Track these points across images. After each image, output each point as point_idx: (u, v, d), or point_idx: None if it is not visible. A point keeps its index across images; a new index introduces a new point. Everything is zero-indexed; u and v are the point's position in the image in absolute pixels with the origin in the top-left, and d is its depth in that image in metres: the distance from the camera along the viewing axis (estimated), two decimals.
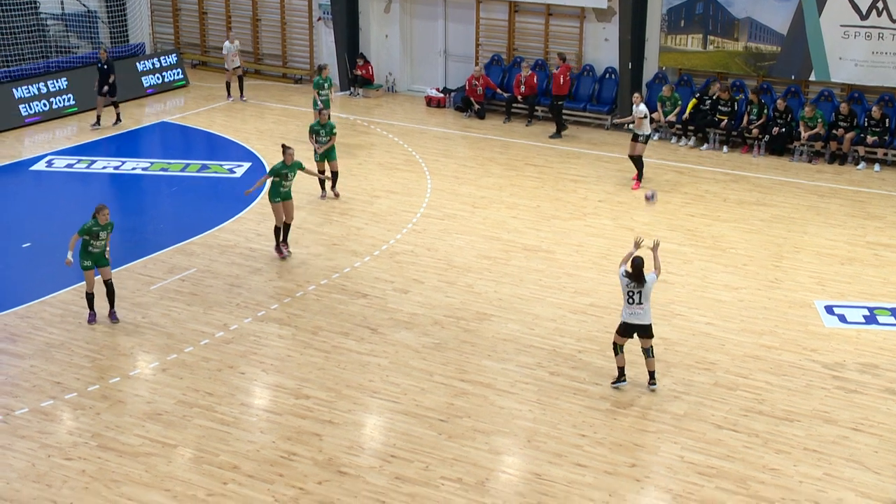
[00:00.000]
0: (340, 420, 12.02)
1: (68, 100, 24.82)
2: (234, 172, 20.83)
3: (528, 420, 12.08)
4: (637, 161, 20.06)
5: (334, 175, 19.28)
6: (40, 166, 21.07)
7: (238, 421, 11.96)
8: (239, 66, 26.25)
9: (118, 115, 23.90)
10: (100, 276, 14.26)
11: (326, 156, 19.13)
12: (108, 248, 14.18)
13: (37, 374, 12.84)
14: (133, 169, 21.08)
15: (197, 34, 29.85)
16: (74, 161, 21.37)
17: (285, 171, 16.28)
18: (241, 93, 26.27)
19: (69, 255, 13.79)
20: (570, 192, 19.82)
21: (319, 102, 21.86)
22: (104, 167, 21.12)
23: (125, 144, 22.91)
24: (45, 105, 24.33)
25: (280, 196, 16.34)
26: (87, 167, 21.07)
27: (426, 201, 19.53)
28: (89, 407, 12.14)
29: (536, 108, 24.72)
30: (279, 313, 14.73)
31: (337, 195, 19.36)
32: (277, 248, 16.56)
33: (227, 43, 26.22)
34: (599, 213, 18.73)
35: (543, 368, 13.25)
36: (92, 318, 14.19)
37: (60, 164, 21.22)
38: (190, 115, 25.14)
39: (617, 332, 12.56)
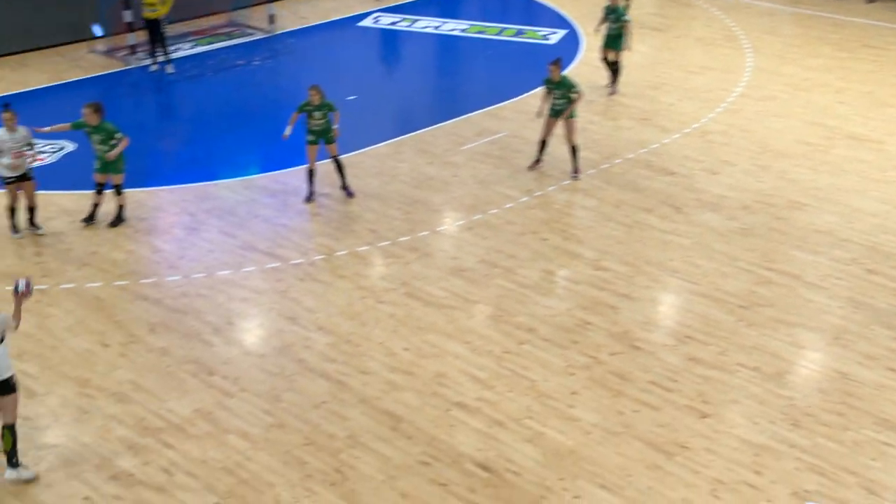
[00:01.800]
0: (637, 295, 12.00)
1: None
2: (549, 39, 20.77)
3: (837, 317, 11.51)
4: None
5: (612, 64, 17.80)
6: (367, 22, 21.96)
7: (537, 285, 12.22)
8: None
9: None
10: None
11: (611, 42, 17.70)
12: (335, 128, 13.88)
13: (355, 220, 13.68)
14: (452, 30, 21.52)
15: None
16: (399, 19, 22.10)
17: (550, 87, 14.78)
18: None
19: (287, 130, 13.84)
20: None
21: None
22: (425, 27, 21.70)
23: (447, 5, 23.38)
24: None
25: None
26: (410, 25, 21.73)
27: (745, 80, 18.64)
28: (400, 256, 12.83)
29: None
30: (583, 184, 14.73)
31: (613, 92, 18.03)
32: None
33: None
34: None
35: (860, 265, 12.50)
36: (308, 197, 14.15)
37: (385, 21, 22.03)
38: None
39: None
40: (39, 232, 13.04)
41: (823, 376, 10.58)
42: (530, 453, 9.44)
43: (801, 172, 15.03)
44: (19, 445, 8.96)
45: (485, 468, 9.25)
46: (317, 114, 13.77)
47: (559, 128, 14.94)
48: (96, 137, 12.91)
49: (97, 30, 19.08)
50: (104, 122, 12.86)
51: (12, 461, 8.93)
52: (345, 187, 14.34)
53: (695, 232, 13.35)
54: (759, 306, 11.73)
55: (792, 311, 11.64)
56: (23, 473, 8.96)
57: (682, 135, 16.34)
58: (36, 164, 13.84)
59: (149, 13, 18.40)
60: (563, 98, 14.57)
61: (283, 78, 19.40)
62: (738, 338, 11.16)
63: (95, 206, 13.33)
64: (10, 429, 8.84)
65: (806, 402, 10.17)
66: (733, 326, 11.36)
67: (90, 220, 13.34)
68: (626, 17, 17.59)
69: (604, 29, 17.73)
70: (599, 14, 18.09)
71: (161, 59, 18.85)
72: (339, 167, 14.23)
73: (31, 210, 13.02)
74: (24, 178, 12.73)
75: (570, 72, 18.83)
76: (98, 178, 13.20)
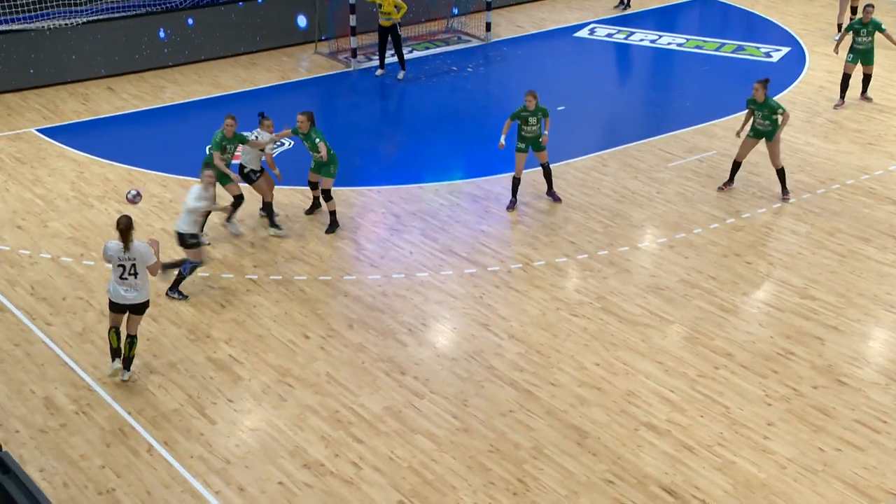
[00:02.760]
0: (847, 328, 11.39)
1: None
2: (771, 57, 20.04)
3: None
4: None
5: (865, 78, 17.50)
6: (583, 33, 21.87)
7: (737, 310, 11.82)
8: None
9: None
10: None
11: (862, 57, 17.21)
12: (545, 134, 13.90)
13: (555, 231, 13.64)
14: (668, 44, 21.12)
15: None
16: (615, 31, 21.89)
17: None
18: None
19: (502, 139, 14.04)
20: None
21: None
22: (641, 39, 21.40)
23: (665, 18, 22.96)
24: None
25: None
26: (626, 38, 21.49)
27: None
28: (597, 270, 12.70)
29: None
30: (795, 208, 14.14)
31: (868, 99, 17.69)
32: None
33: None
34: None
35: None
36: (511, 205, 14.24)
37: (602, 32, 21.87)
38: None
39: None
40: (278, 232, 13.60)
41: None
42: (719, 482, 9.14)
43: None
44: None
45: (670, 492, 9.03)
46: (531, 119, 13.84)
47: (761, 149, 14.44)
48: (306, 144, 13.44)
49: (304, 65, 19.94)
50: (312, 129, 13.30)
51: (127, 365, 10.48)
52: (550, 192, 14.36)
53: None
54: None
55: None
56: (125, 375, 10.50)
57: None
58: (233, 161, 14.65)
59: (384, 21, 19.06)
60: (765, 119, 14.01)
61: (495, 86, 19.60)
62: None
63: (315, 198, 13.99)
64: (133, 338, 10.40)
65: None
66: None
67: (310, 211, 14.04)
68: (884, 28, 17.16)
69: (850, 43, 17.18)
70: (831, 32, 17.33)
71: (397, 63, 19.44)
72: (548, 174, 14.26)
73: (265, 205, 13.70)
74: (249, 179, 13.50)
75: (792, 91, 18.14)
76: (311, 177, 13.80)
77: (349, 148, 14.82)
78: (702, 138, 16.46)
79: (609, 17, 22.82)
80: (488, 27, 21.47)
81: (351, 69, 19.82)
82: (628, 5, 23.33)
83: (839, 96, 17.42)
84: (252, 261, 12.91)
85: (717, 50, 20.58)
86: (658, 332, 11.40)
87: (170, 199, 14.41)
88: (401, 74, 19.34)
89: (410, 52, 20.72)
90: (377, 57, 19.56)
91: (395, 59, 19.37)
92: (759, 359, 10.89)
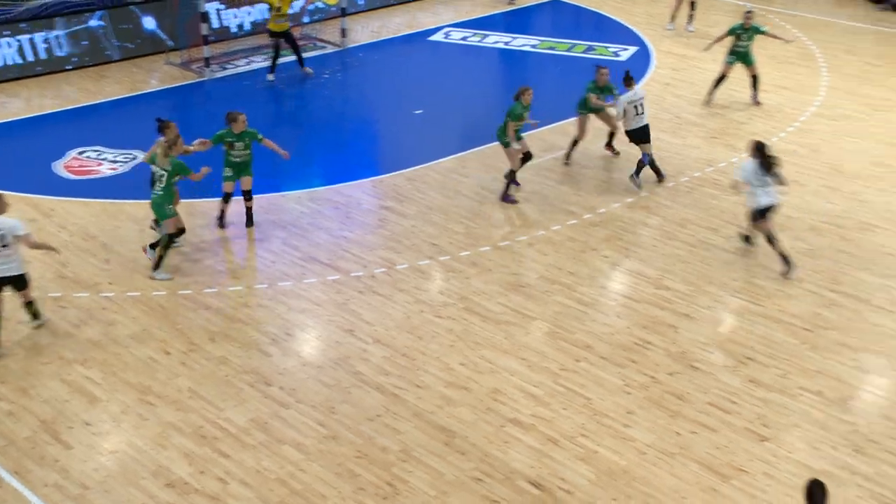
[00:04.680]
0: (698, 315, 11.83)
1: None
2: (619, 56, 20.63)
3: None
4: None
5: (753, 80, 18.11)
6: (438, 37, 22.06)
7: (596, 303, 12.13)
8: None
9: None
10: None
11: (742, 59, 17.87)
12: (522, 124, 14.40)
13: (416, 234, 13.73)
14: (522, 46, 21.51)
15: None
16: (469, 34, 22.16)
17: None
18: None
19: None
20: None
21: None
22: (495, 42, 21.72)
23: (517, 21, 23.38)
24: None
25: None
26: (481, 41, 21.78)
27: (819, 100, 18.30)
28: (459, 271, 12.83)
29: None
30: (648, 201, 14.59)
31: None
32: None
33: None
34: None
35: None
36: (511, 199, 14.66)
37: (456, 36, 22.11)
38: None
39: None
40: None
41: (889, 402, 10.31)
42: (583, 472, 9.36)
43: (873, 194, 14.69)
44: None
45: (537, 486, 9.20)
46: (238, 144, 13.48)
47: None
48: (240, 145, 13.35)
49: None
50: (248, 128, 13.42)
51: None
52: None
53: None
54: (824, 329, 11.48)
55: (857, 335, 11.36)
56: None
57: None
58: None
59: (279, 25, 18.92)
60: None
61: (352, 91, 19.58)
62: (800, 360, 10.93)
63: (223, 212, 13.79)
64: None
65: (870, 428, 9.91)
66: (796, 349, 11.14)
67: (224, 223, 13.81)
68: (764, 28, 18.06)
69: (730, 45, 17.92)
70: (668, 30, 17.84)
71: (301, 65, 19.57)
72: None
73: None
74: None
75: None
76: (228, 186, 13.62)
77: (204, 159, 14.47)
78: (557, 137, 16.81)
79: (463, 20, 23.09)
80: (343, 33, 21.45)
81: (205, 79, 19.49)
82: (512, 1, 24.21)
83: (708, 92, 18.08)
84: (108, 277, 12.56)
85: (568, 51, 21.07)
86: (520, 329, 11.60)
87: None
88: (307, 70, 19.41)
89: (265, 59, 20.53)
90: (268, 62, 19.49)
91: (294, 58, 19.43)
92: (618, 349, 11.20)
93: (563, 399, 10.38)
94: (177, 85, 19.25)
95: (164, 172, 12.34)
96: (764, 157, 12.26)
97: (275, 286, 12.43)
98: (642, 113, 14.78)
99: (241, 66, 20.22)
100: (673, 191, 14.90)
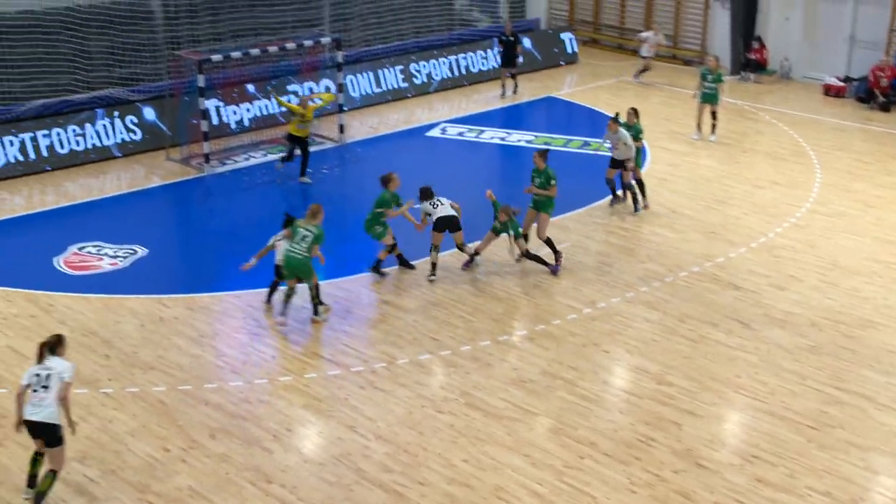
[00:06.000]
0: (702, 412, 11.75)
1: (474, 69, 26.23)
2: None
3: None
4: None
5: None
6: (435, 132, 22.36)
7: (599, 399, 12.06)
8: (651, 58, 26.16)
9: (515, 85, 24.89)
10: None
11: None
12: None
13: (417, 328, 13.70)
14: (518, 141, 21.80)
15: (590, 12, 30.18)
16: (466, 129, 22.48)
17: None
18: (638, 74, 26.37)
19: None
20: None
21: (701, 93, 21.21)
22: (491, 137, 22.03)
23: (513, 117, 23.75)
24: (453, 72, 25.84)
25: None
26: (477, 136, 22.08)
27: (813, 196, 18.52)
28: (460, 366, 12.78)
29: None
30: (648, 296, 14.63)
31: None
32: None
33: (650, 34, 26.37)
34: None
35: None
36: (555, 269, 15.28)
37: (453, 131, 22.42)
38: (576, 92, 25.55)
39: None
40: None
41: None
42: None
43: (872, 290, 14.76)
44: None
45: None
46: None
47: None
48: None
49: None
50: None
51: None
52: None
53: (762, 348, 13.12)
54: (830, 427, 11.41)
55: (864, 434, 11.29)
56: None
57: (748, 249, 16.20)
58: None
59: (302, 131, 19.09)
60: (542, 186, 15.51)
61: (350, 187, 19.73)
62: (807, 459, 10.84)
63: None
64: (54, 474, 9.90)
65: None
66: (803, 448, 11.05)
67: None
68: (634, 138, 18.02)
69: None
70: (667, 126, 18.17)
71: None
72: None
73: None
74: None
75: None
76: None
77: (207, 254, 14.59)
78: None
79: (459, 115, 23.43)
80: (342, 129, 21.72)
81: (204, 174, 19.66)
82: (515, 92, 24.76)
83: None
84: (107, 374, 12.46)
85: (564, 146, 21.35)
86: (523, 425, 11.50)
87: (14, 315, 13.84)
88: (306, 179, 19.42)
89: (265, 155, 20.75)
90: (283, 153, 19.58)
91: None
92: (622, 446, 11.10)
93: (568, 497, 10.24)
94: (177, 181, 19.38)
95: (307, 233, 13.54)
96: None
97: (275, 381, 12.34)
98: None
99: (240, 161, 20.42)
100: (672, 286, 14.95)
